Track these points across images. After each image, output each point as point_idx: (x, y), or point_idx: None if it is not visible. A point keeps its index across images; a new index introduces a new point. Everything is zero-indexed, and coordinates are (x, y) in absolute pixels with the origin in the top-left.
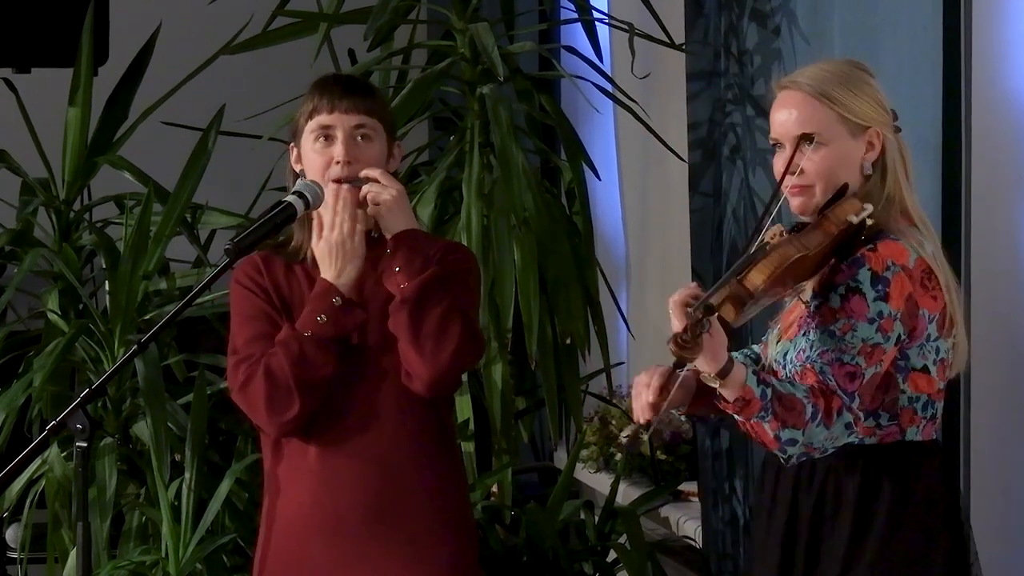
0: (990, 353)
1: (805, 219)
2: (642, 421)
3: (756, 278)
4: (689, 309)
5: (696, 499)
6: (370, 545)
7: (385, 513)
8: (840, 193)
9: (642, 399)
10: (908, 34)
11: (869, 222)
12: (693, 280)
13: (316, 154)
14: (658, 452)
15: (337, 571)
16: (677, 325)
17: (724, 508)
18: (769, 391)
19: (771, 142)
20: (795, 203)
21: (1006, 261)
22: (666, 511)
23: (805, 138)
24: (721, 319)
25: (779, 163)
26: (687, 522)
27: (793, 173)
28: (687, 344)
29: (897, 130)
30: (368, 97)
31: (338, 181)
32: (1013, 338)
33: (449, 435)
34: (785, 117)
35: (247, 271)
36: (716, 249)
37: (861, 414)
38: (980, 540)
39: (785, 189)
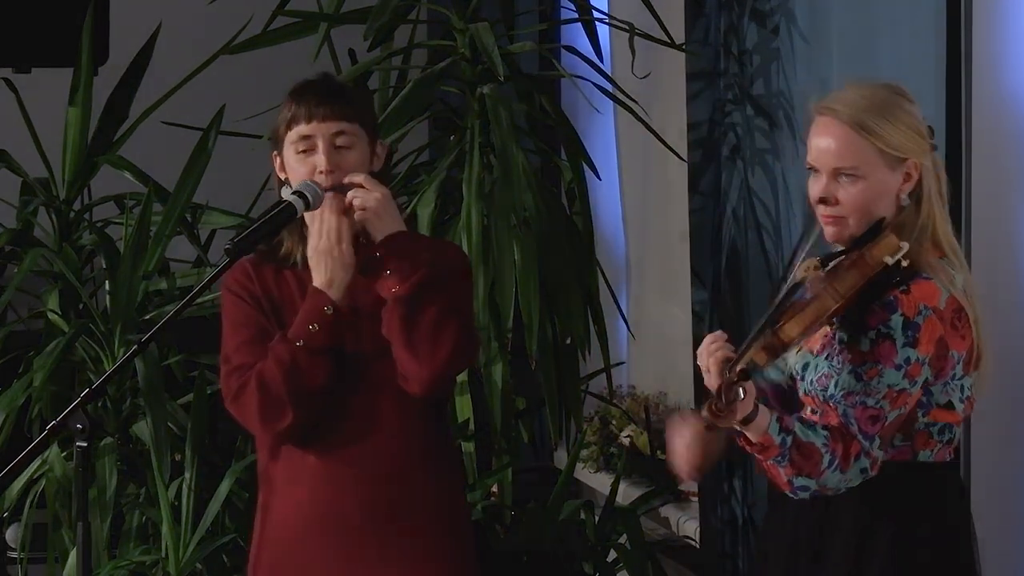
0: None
1: (838, 247)
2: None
3: (792, 330)
4: (725, 367)
5: (696, 499)
6: (369, 546)
7: (384, 515)
8: (875, 228)
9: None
10: (908, 34)
11: (904, 263)
12: (693, 280)
13: (299, 164)
14: (658, 452)
15: (335, 572)
16: (713, 384)
17: (723, 508)
18: (789, 439)
19: (807, 166)
20: (829, 232)
21: (1007, 262)
22: (666, 511)
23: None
24: (752, 365)
25: (814, 189)
26: (687, 522)
27: (828, 203)
28: (721, 412)
29: (933, 147)
30: (345, 102)
31: (325, 190)
32: (1013, 338)
33: (446, 436)
34: (825, 146)
35: (237, 277)
36: (716, 249)
37: (879, 455)
38: (980, 541)
39: (820, 218)
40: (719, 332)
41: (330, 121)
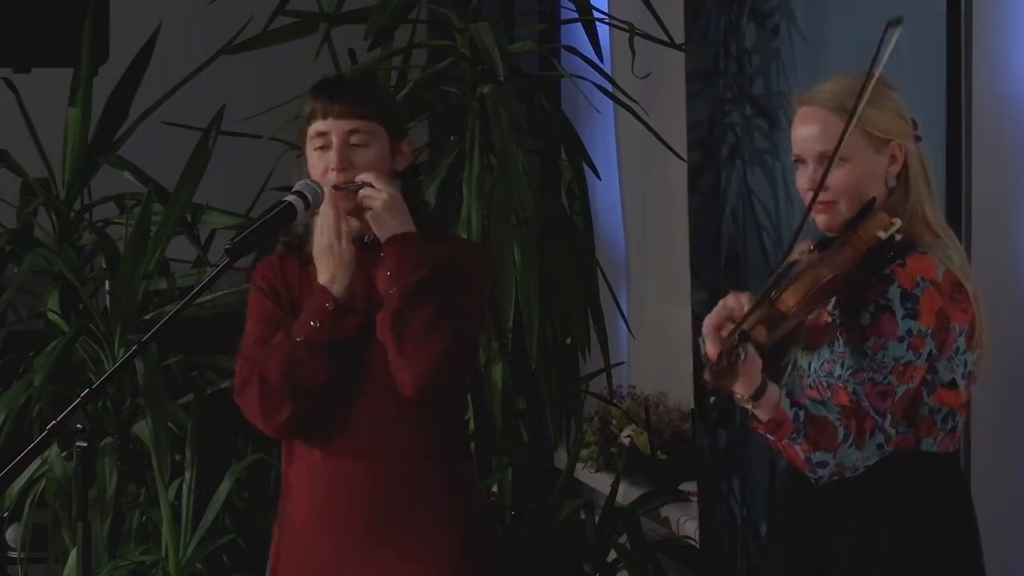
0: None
1: (832, 234)
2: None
3: (789, 300)
4: (723, 334)
5: (696, 499)
6: (373, 546)
7: (387, 514)
8: (867, 207)
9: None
10: (909, 34)
11: (898, 237)
12: (693, 280)
13: (316, 160)
14: (658, 452)
15: (341, 571)
16: (712, 351)
17: (723, 508)
18: (802, 413)
19: (793, 158)
20: (821, 220)
21: (1007, 262)
22: (666, 511)
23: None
24: (753, 341)
25: (802, 179)
26: (687, 522)
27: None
28: (723, 373)
29: (917, 139)
30: (363, 100)
31: (336, 188)
32: (1013, 338)
33: (455, 436)
34: (807, 133)
35: (263, 272)
36: (716, 249)
37: (893, 432)
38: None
39: (811, 208)
40: (720, 304)
41: (345, 119)
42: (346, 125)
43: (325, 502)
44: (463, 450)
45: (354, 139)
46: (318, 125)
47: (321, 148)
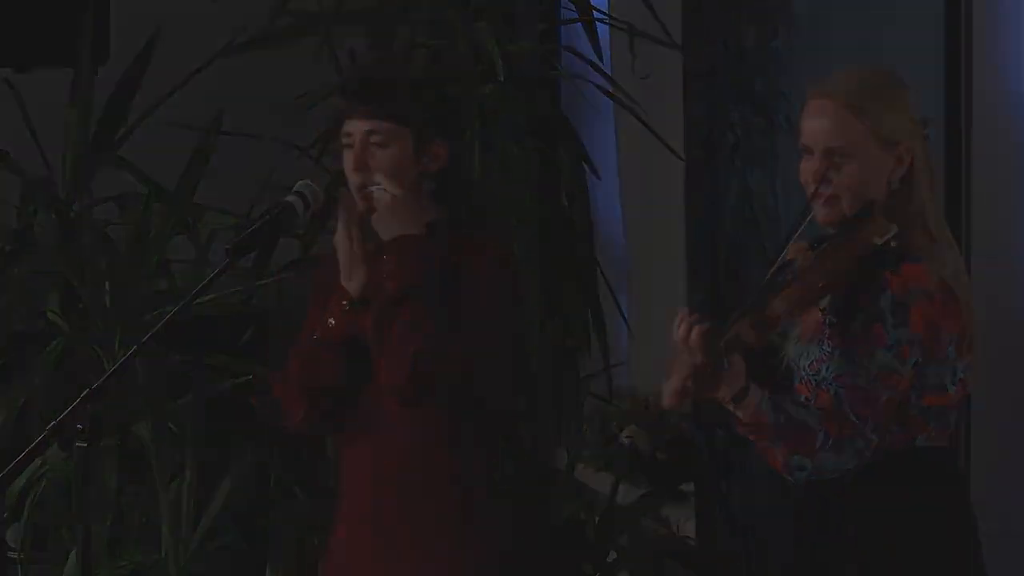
0: (989, 353)
1: (830, 230)
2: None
3: (779, 306)
4: (709, 340)
5: (696, 499)
6: (383, 544)
7: (387, 512)
8: (865, 211)
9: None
10: (908, 33)
11: (893, 244)
12: (692, 280)
13: (344, 159)
14: (658, 452)
15: (347, 570)
16: (697, 356)
17: (723, 508)
18: (782, 417)
19: (800, 147)
20: (822, 212)
21: (1007, 262)
22: (666, 511)
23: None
24: (743, 342)
25: (806, 169)
26: (687, 522)
27: (819, 184)
28: (706, 381)
29: (926, 137)
30: (383, 100)
31: (357, 189)
32: (1013, 338)
33: (457, 434)
34: (817, 126)
35: (320, 271)
36: (715, 249)
37: (874, 437)
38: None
39: (813, 200)
40: (699, 321)
41: (364, 120)
42: (364, 126)
43: (345, 499)
44: (477, 451)
45: (373, 139)
46: (344, 125)
47: (347, 147)
